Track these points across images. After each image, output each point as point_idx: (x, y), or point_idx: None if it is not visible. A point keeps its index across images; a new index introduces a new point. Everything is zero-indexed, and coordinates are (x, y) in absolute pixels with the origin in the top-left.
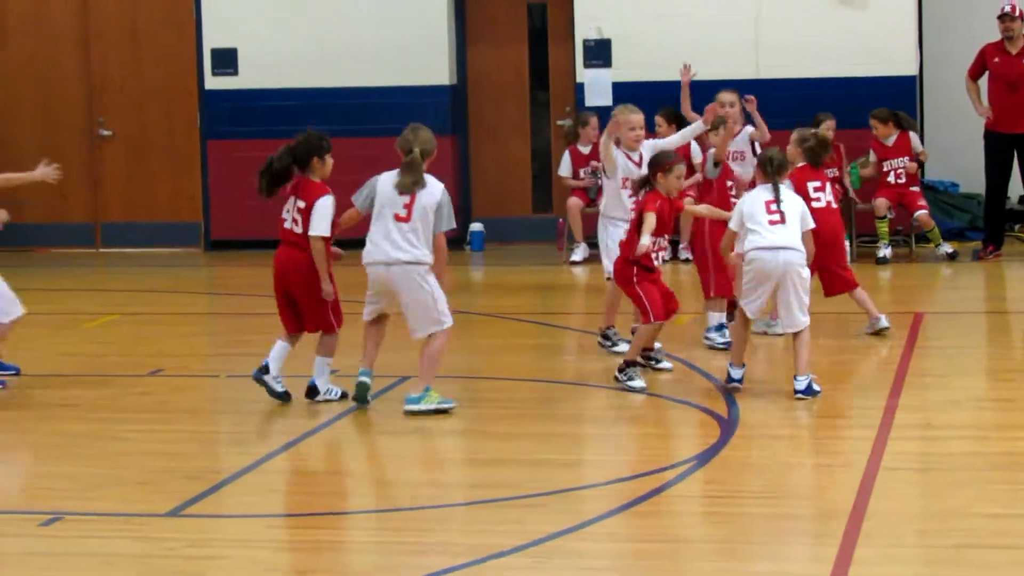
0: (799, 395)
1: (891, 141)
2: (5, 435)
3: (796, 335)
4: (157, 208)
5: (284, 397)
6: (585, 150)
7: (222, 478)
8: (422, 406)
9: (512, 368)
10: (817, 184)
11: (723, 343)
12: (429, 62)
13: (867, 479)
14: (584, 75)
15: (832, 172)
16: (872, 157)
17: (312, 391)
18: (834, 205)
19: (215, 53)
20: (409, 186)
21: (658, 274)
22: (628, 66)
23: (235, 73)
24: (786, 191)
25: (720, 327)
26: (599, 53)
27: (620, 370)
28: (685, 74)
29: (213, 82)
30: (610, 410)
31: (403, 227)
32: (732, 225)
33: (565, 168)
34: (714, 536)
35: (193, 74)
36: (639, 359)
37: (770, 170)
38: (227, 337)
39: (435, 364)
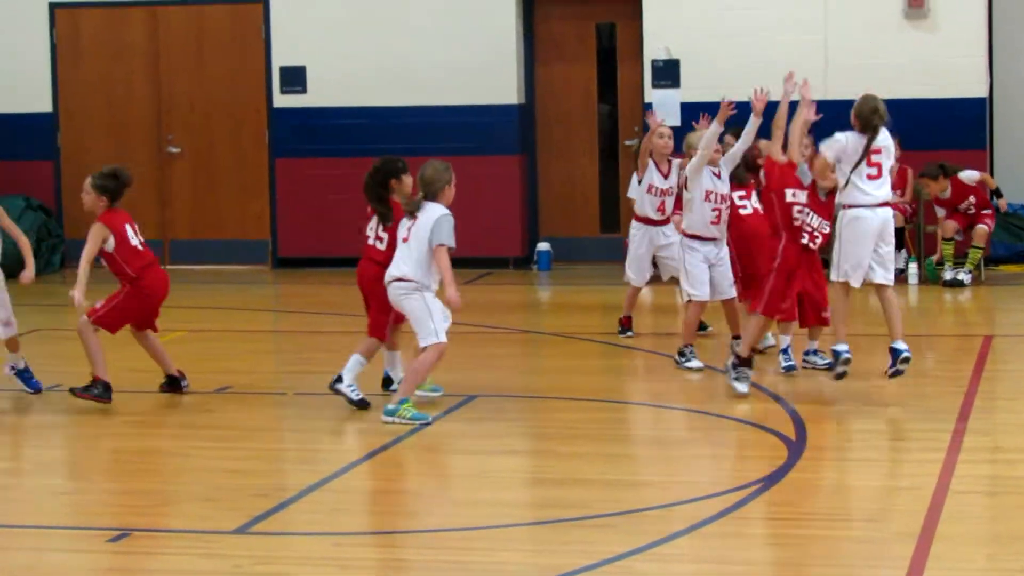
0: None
1: (947, 194)
2: (73, 451)
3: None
4: (225, 226)
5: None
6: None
7: (289, 496)
8: (395, 419)
9: (579, 388)
10: (742, 193)
11: (824, 364)
12: (497, 81)
13: (935, 502)
14: (652, 95)
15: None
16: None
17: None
18: (761, 211)
19: (284, 71)
20: (413, 211)
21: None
22: (696, 86)
23: (303, 91)
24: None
25: (815, 351)
26: (667, 73)
27: (734, 366)
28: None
29: (281, 100)
30: (678, 431)
31: (403, 248)
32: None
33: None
34: (781, 559)
35: (262, 92)
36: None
37: (876, 121)
38: (294, 355)
39: (417, 377)
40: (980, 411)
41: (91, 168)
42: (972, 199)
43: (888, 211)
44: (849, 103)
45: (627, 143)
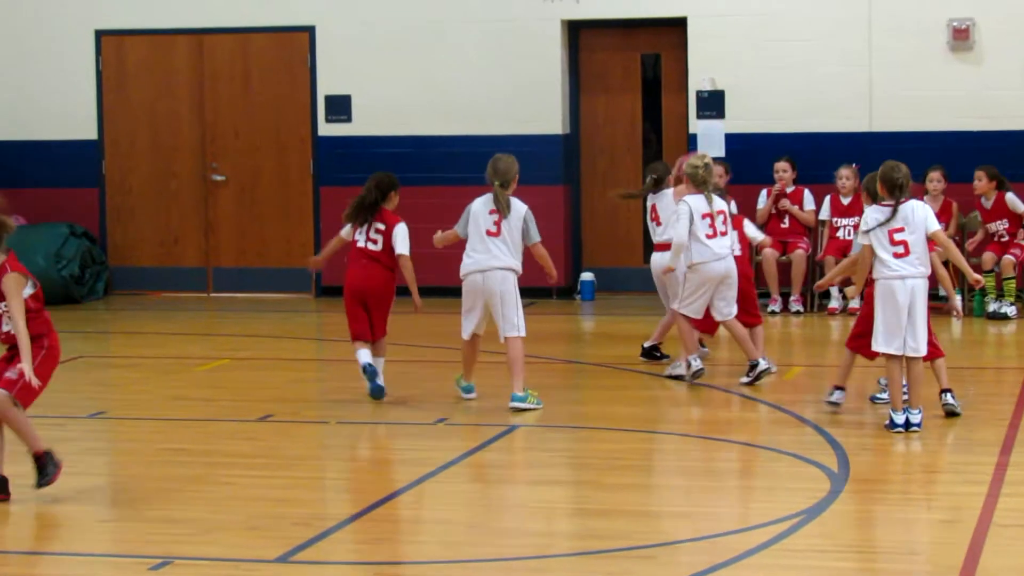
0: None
1: (990, 203)
2: (115, 479)
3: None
4: (269, 253)
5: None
6: None
7: (331, 525)
8: (526, 404)
9: (622, 418)
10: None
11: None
12: (542, 111)
13: (978, 535)
14: (697, 126)
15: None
16: (978, 216)
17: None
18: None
19: (329, 100)
20: (504, 209)
21: None
22: (741, 117)
23: (348, 120)
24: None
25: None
26: (712, 104)
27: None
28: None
29: (326, 129)
30: (719, 462)
31: (497, 241)
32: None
33: None
34: None
35: (307, 120)
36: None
37: (897, 192)
38: (337, 383)
39: (522, 365)
40: (1023, 444)
41: (136, 195)
42: (1004, 223)
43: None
44: (894, 135)
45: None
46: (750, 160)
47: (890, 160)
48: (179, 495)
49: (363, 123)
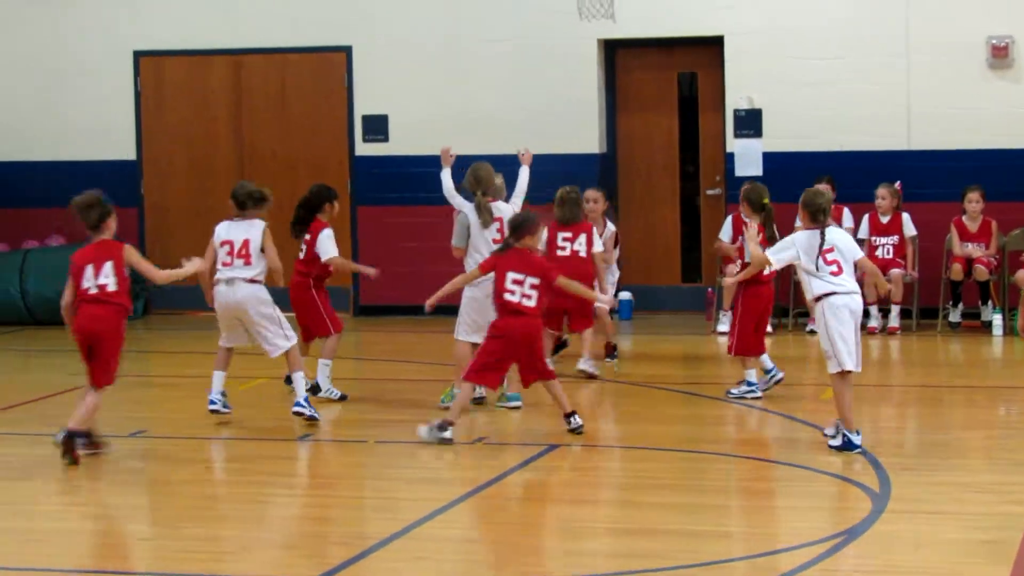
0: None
1: None
2: (155, 497)
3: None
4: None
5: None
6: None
7: (370, 544)
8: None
9: (661, 438)
10: (568, 235)
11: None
12: (579, 130)
13: (1021, 556)
14: (734, 145)
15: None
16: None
17: (315, 388)
18: (582, 254)
19: (366, 120)
20: (488, 221)
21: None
22: (778, 136)
23: (385, 140)
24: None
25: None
26: (750, 123)
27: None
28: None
29: (363, 148)
30: (759, 481)
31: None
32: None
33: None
34: None
35: (344, 141)
36: None
37: (820, 216)
38: (375, 403)
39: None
40: None
41: (174, 215)
42: None
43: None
44: (932, 153)
45: (708, 192)
46: (788, 179)
47: (811, 187)
48: (219, 513)
49: (400, 143)
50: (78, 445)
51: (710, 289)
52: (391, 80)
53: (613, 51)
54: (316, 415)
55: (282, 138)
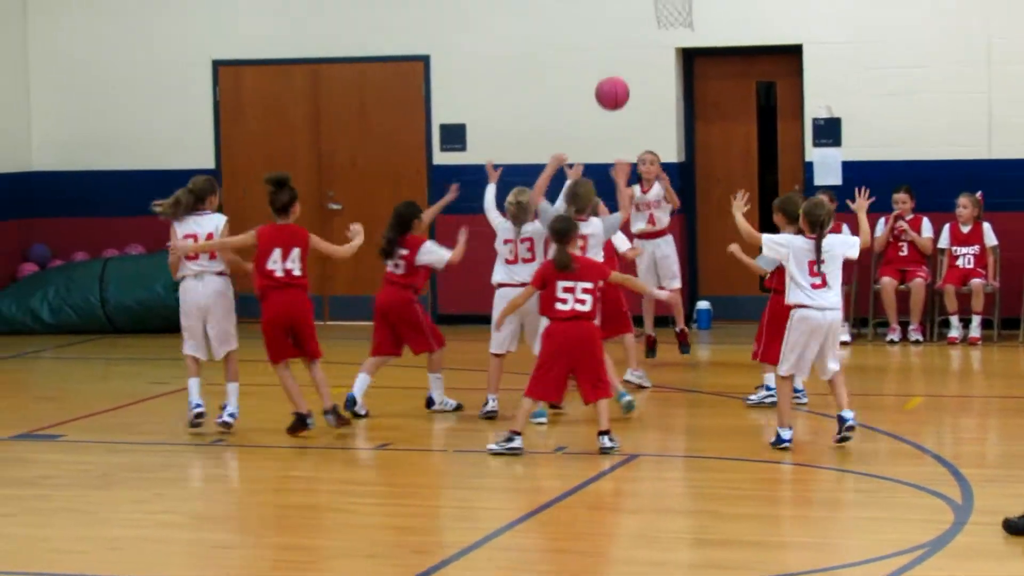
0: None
1: None
2: (235, 506)
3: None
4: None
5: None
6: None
7: (450, 553)
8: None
9: (740, 448)
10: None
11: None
12: (657, 139)
13: None
14: (813, 153)
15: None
16: None
17: (429, 402)
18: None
19: (444, 129)
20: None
21: None
22: (858, 145)
23: (463, 149)
24: (826, 246)
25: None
26: (828, 132)
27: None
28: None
29: (441, 158)
30: (839, 492)
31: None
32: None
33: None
34: None
35: (422, 150)
36: None
37: (819, 229)
38: (454, 412)
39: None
40: None
41: (252, 224)
42: None
43: None
44: (1014, 163)
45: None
46: (867, 188)
47: (814, 196)
48: (299, 522)
49: (478, 152)
50: (339, 415)
51: None
52: (469, 89)
53: (691, 60)
54: (228, 421)
55: (360, 147)
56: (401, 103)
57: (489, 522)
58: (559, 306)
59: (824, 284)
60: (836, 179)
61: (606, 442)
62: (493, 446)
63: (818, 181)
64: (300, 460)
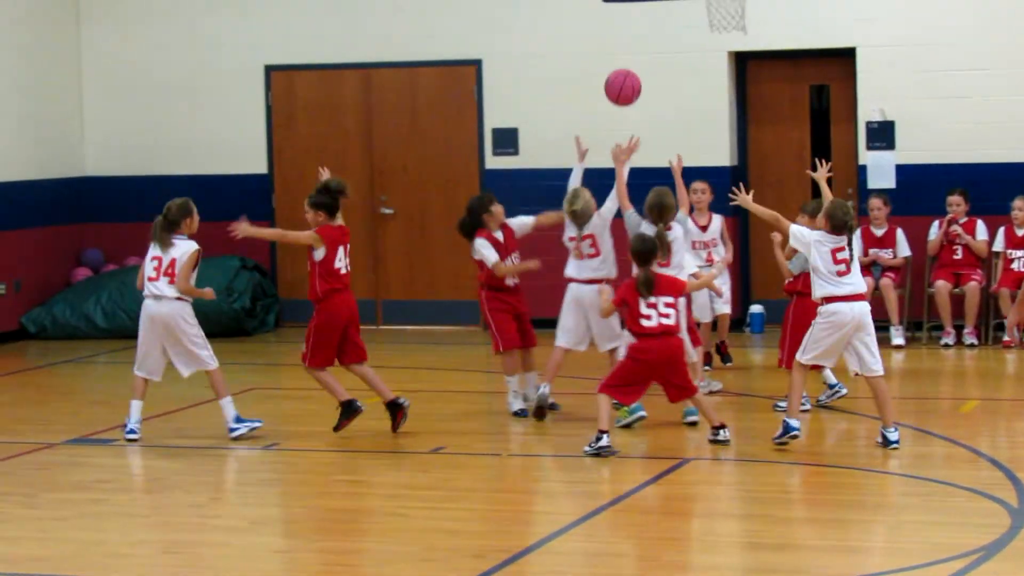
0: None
1: None
2: (289, 510)
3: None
4: (438, 286)
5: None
6: (879, 232)
7: (506, 557)
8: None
9: (794, 452)
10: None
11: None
12: (709, 143)
13: None
14: (867, 157)
15: None
16: None
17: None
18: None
19: (496, 133)
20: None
21: None
22: (911, 148)
23: (515, 153)
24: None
25: None
26: (882, 135)
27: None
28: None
29: (493, 162)
30: (894, 496)
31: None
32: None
33: (857, 245)
34: None
35: (474, 154)
36: None
37: (843, 221)
38: (507, 416)
39: None
40: None
41: (304, 229)
42: None
43: None
44: None
45: None
46: (921, 191)
47: (839, 199)
48: (353, 526)
49: (530, 156)
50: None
51: None
52: (521, 93)
53: (744, 63)
54: (248, 427)
55: (412, 151)
56: (453, 107)
57: (544, 526)
58: (645, 323)
59: (848, 271)
60: (890, 182)
61: (721, 435)
62: (586, 448)
63: (872, 185)
64: (351, 464)
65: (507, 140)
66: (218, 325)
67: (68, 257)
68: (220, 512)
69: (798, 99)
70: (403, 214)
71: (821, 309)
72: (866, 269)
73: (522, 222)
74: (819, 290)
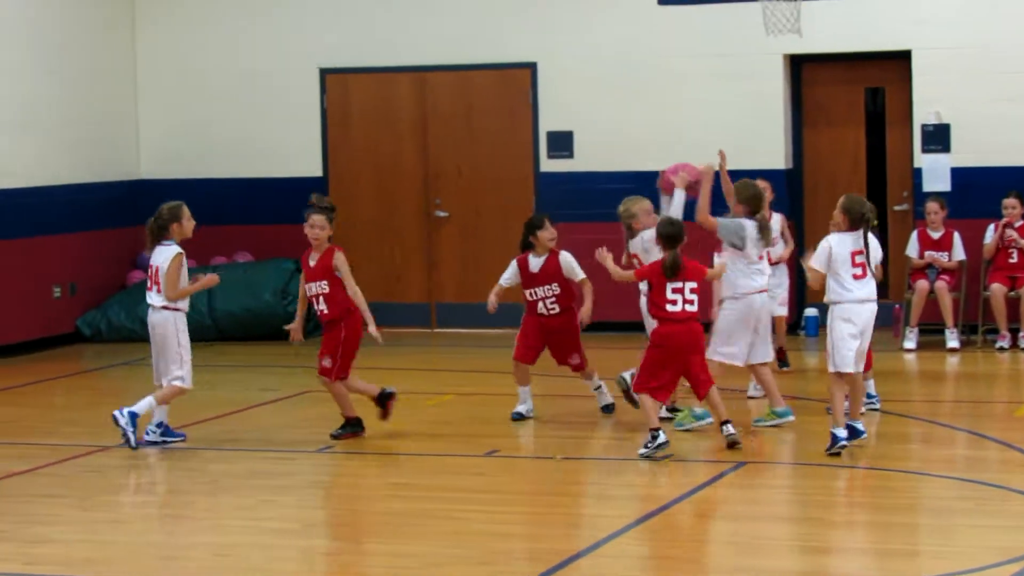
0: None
1: None
2: (342, 513)
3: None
4: (492, 289)
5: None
6: (935, 235)
7: (561, 560)
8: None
9: (847, 455)
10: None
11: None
12: (765, 145)
13: None
14: (922, 160)
15: None
16: None
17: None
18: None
19: (551, 136)
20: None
21: None
22: (967, 151)
23: (570, 156)
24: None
25: None
26: (937, 138)
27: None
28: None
29: (548, 165)
30: (948, 500)
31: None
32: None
33: (912, 248)
34: None
35: (529, 157)
36: None
37: (860, 214)
38: (560, 419)
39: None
40: None
41: (359, 231)
42: None
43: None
44: None
45: (895, 208)
46: (977, 194)
47: (853, 194)
48: (407, 529)
49: (585, 159)
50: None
51: (897, 305)
52: (576, 96)
53: (799, 66)
54: (163, 438)
55: (467, 154)
56: (508, 110)
57: (599, 529)
58: (670, 308)
59: (864, 275)
60: (945, 185)
61: (730, 429)
62: (641, 451)
63: (927, 187)
64: (405, 467)
65: (562, 143)
66: (272, 328)
67: (123, 260)
68: (271, 515)
69: (853, 102)
70: (457, 217)
71: (836, 314)
72: (922, 272)
73: (571, 267)
74: (833, 295)
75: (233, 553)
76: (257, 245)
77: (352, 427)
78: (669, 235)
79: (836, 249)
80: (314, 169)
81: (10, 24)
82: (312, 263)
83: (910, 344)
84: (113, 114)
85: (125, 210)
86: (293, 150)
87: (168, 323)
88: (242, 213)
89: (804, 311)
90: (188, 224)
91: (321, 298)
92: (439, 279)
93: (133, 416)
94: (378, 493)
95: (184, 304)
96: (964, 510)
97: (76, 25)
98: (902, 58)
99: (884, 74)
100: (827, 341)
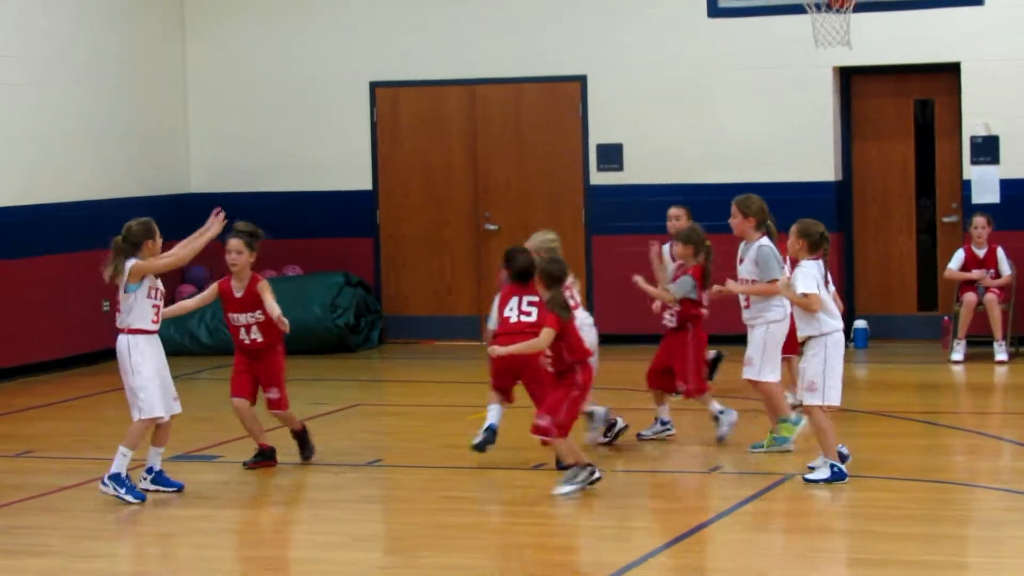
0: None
1: None
2: (392, 526)
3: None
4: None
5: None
6: (980, 252)
7: (609, 572)
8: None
9: (899, 467)
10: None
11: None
12: (814, 158)
13: None
14: (971, 172)
15: None
16: None
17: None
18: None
19: (600, 148)
20: None
21: None
22: (1016, 163)
23: (620, 169)
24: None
25: None
26: (987, 150)
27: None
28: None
29: (598, 177)
30: (1000, 512)
31: None
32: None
33: (956, 261)
34: None
35: (579, 170)
36: None
37: (824, 245)
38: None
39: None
40: None
41: (409, 244)
42: None
43: None
44: None
45: (944, 220)
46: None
47: (806, 218)
48: (456, 543)
49: (635, 171)
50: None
51: (946, 317)
52: (625, 109)
53: (848, 78)
54: (125, 496)
55: (517, 167)
56: (558, 123)
57: (648, 541)
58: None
59: (837, 298)
60: (994, 197)
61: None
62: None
63: (976, 199)
64: (454, 480)
65: (612, 156)
66: (322, 341)
67: (173, 274)
68: (322, 528)
69: (902, 114)
70: (507, 230)
71: (827, 342)
72: (970, 285)
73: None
74: (825, 325)
75: (285, 567)
76: (306, 259)
77: (268, 456)
78: (550, 273)
79: (817, 274)
80: (364, 182)
81: (64, 39)
82: (238, 294)
83: (958, 356)
84: (164, 128)
85: (175, 224)
86: (343, 163)
87: (122, 348)
88: (291, 227)
89: (854, 323)
90: (159, 240)
91: (255, 327)
92: (488, 292)
93: (116, 476)
94: (428, 506)
95: (145, 323)
96: (1013, 521)
97: (127, 39)
98: (951, 70)
99: (933, 86)
100: (809, 373)
